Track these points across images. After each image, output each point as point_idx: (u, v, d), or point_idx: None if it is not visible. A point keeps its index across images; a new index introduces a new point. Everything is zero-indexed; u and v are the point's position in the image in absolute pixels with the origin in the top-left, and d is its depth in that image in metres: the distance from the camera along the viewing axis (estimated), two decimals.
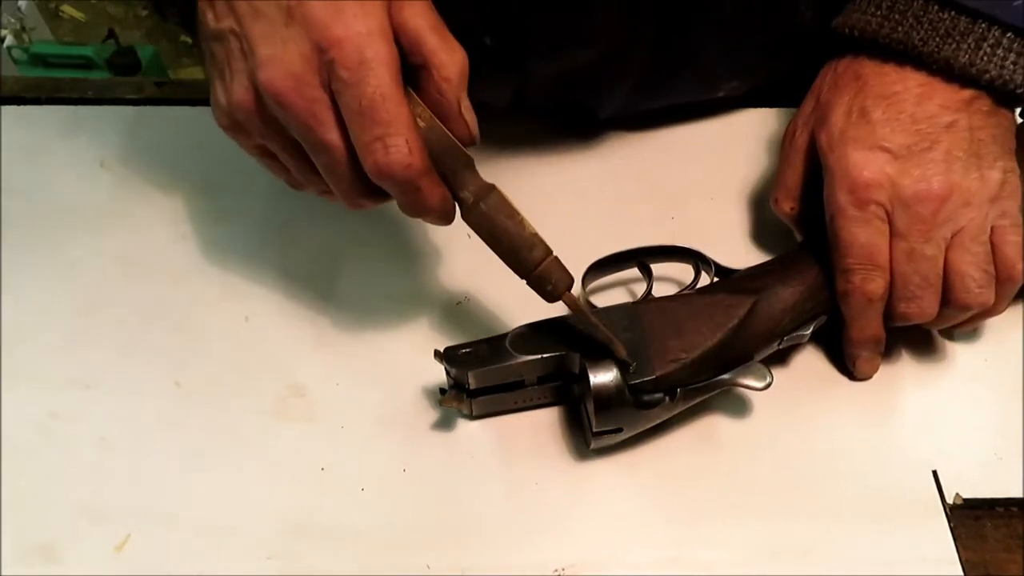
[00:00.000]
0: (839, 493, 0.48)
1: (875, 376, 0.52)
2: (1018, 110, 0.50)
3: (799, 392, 0.51)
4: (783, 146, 0.54)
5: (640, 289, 0.54)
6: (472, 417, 0.50)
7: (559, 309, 0.46)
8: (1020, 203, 0.48)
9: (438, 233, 0.56)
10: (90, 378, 0.52)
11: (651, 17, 0.55)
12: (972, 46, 0.46)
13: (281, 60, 0.39)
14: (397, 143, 0.40)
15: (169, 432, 0.50)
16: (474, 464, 0.49)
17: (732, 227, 0.59)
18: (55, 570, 0.45)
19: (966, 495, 0.47)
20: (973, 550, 0.46)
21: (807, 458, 0.49)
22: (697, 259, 0.53)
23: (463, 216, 0.44)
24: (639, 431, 0.47)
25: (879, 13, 0.49)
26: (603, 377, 0.45)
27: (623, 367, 0.45)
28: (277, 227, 0.58)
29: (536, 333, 0.48)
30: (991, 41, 0.46)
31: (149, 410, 0.50)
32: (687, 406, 0.48)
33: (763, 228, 0.59)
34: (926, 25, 0.47)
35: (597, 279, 0.54)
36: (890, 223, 0.47)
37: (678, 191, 0.60)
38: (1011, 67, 0.46)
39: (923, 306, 0.48)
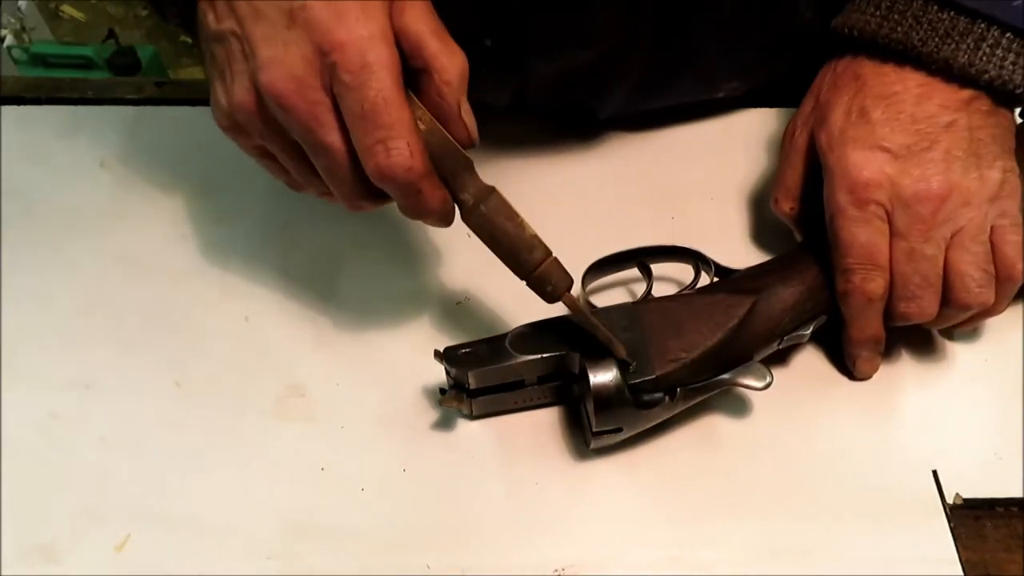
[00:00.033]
0: (839, 493, 0.48)
1: (875, 376, 0.52)
2: (1017, 110, 0.51)
3: (799, 392, 0.51)
4: (783, 146, 0.54)
5: (640, 289, 0.54)
6: (472, 417, 0.50)
7: (559, 309, 0.46)
8: (1020, 203, 0.48)
9: (438, 234, 0.56)
10: (90, 378, 0.52)
11: (651, 17, 0.55)
12: (971, 46, 0.46)
13: (283, 62, 0.39)
14: (398, 146, 0.40)
15: (169, 432, 0.50)
16: (474, 464, 0.49)
17: (732, 227, 0.59)
18: (55, 570, 0.45)
19: (966, 495, 0.47)
20: (973, 550, 0.46)
21: (807, 458, 0.49)
22: (697, 259, 0.53)
23: (463, 218, 0.44)
24: (639, 431, 0.47)
25: (878, 13, 0.49)
26: (603, 377, 0.45)
27: (623, 367, 0.45)
28: (277, 227, 0.59)
29: (536, 333, 0.48)
30: (990, 41, 0.46)
31: (149, 410, 0.50)
32: (687, 406, 0.48)
33: (763, 228, 0.59)
34: (925, 25, 0.47)
35: (597, 279, 0.54)
36: (890, 223, 0.47)
37: (678, 191, 0.60)
38: (1010, 67, 0.46)
39: (923, 306, 0.48)
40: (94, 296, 0.55)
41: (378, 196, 0.43)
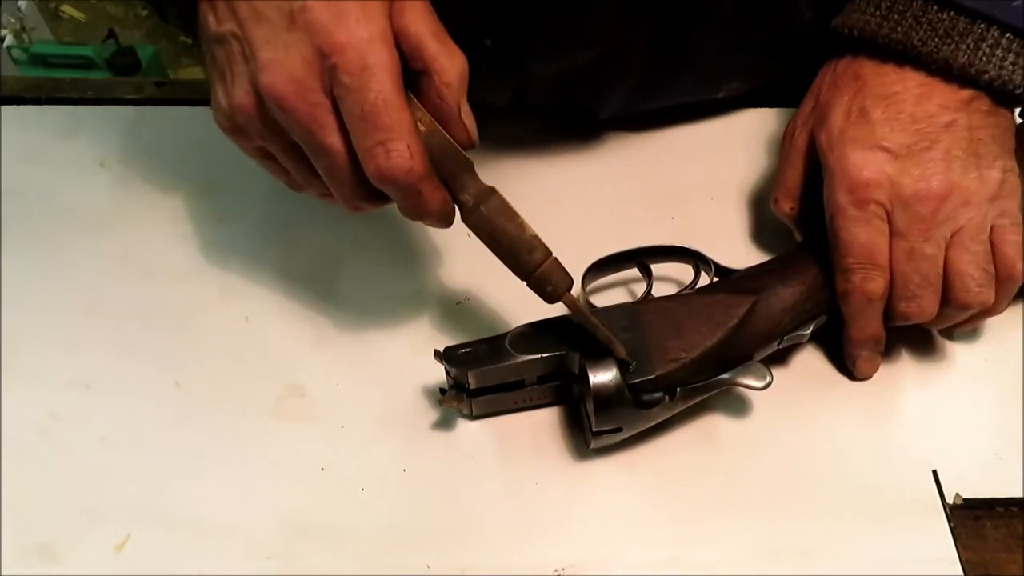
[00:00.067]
0: (839, 493, 0.48)
1: (875, 376, 0.52)
2: (1017, 110, 0.50)
3: (799, 392, 0.51)
4: (782, 146, 0.54)
5: (640, 289, 0.54)
6: (472, 417, 0.50)
7: (559, 310, 0.46)
8: (1020, 202, 0.48)
9: (438, 234, 0.56)
10: (90, 378, 0.52)
11: (651, 17, 0.55)
12: (971, 46, 0.46)
13: (283, 64, 0.39)
14: (399, 148, 0.40)
15: (169, 432, 0.50)
16: (474, 464, 0.49)
17: (732, 227, 0.59)
18: (55, 570, 0.45)
19: (966, 495, 0.47)
20: (973, 550, 0.46)
21: (807, 458, 0.49)
22: (697, 259, 0.53)
23: (463, 219, 0.44)
24: (639, 431, 0.47)
25: (878, 13, 0.49)
26: (603, 376, 0.45)
27: (623, 367, 0.45)
28: (277, 228, 0.59)
29: (536, 333, 0.48)
30: (990, 41, 0.46)
31: (149, 410, 0.50)
32: (687, 406, 0.48)
33: (763, 228, 0.59)
34: (925, 25, 0.47)
35: (597, 279, 0.54)
36: (890, 222, 0.47)
37: (678, 191, 0.60)
38: (1010, 67, 0.46)
39: (923, 305, 0.48)
40: (94, 296, 0.55)
41: (378, 197, 0.43)
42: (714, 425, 0.50)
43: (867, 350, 0.50)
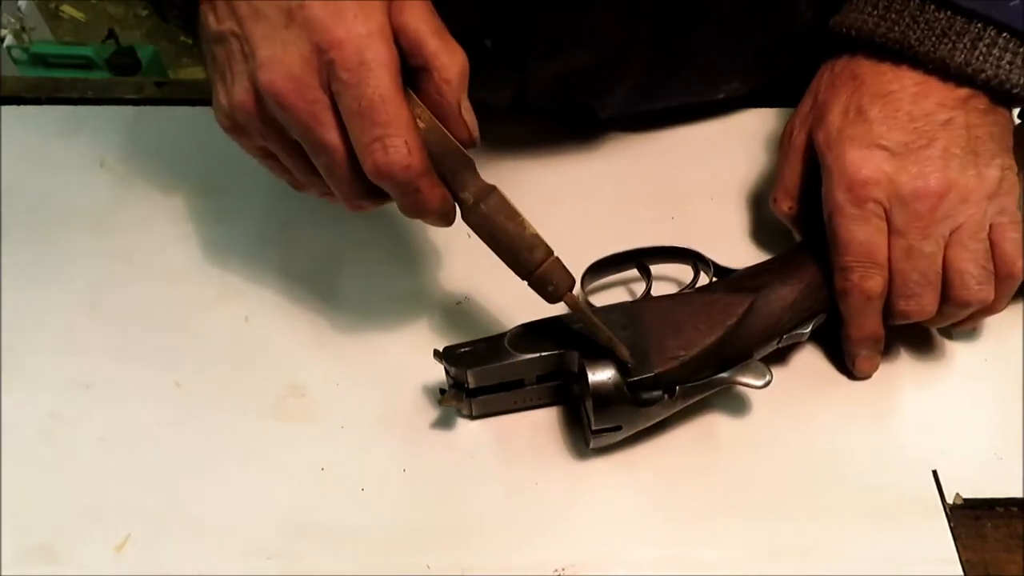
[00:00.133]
0: (839, 493, 0.48)
1: (875, 375, 0.52)
2: (1016, 110, 0.51)
3: (799, 391, 0.51)
4: (781, 146, 0.54)
5: (639, 289, 0.54)
6: (472, 417, 0.50)
7: (560, 310, 0.46)
8: (1018, 200, 0.48)
9: (438, 234, 0.56)
10: (90, 378, 0.52)
11: (651, 18, 0.55)
12: (968, 46, 0.47)
13: (281, 61, 0.39)
14: (396, 144, 0.40)
15: (169, 432, 0.50)
16: (474, 464, 0.49)
17: (732, 227, 0.59)
18: (55, 570, 0.45)
19: (966, 495, 0.47)
20: (973, 550, 0.46)
21: (807, 457, 0.49)
22: (696, 259, 0.53)
23: (463, 217, 0.44)
24: (638, 429, 0.47)
25: (876, 13, 0.49)
26: (602, 375, 0.45)
27: (622, 365, 0.45)
28: (277, 227, 0.59)
29: (535, 332, 0.48)
30: (987, 41, 0.46)
31: (149, 410, 0.50)
32: (686, 404, 0.48)
33: (763, 228, 0.59)
34: (922, 25, 0.47)
35: (596, 280, 0.54)
36: (888, 221, 0.47)
37: (678, 191, 0.60)
38: (1007, 67, 0.46)
39: (922, 303, 0.48)
40: (94, 296, 0.55)
41: (378, 195, 0.43)
42: (714, 424, 0.50)
43: (866, 349, 0.50)
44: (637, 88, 0.59)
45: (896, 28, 0.48)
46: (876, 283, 0.48)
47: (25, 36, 1.45)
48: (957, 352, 0.53)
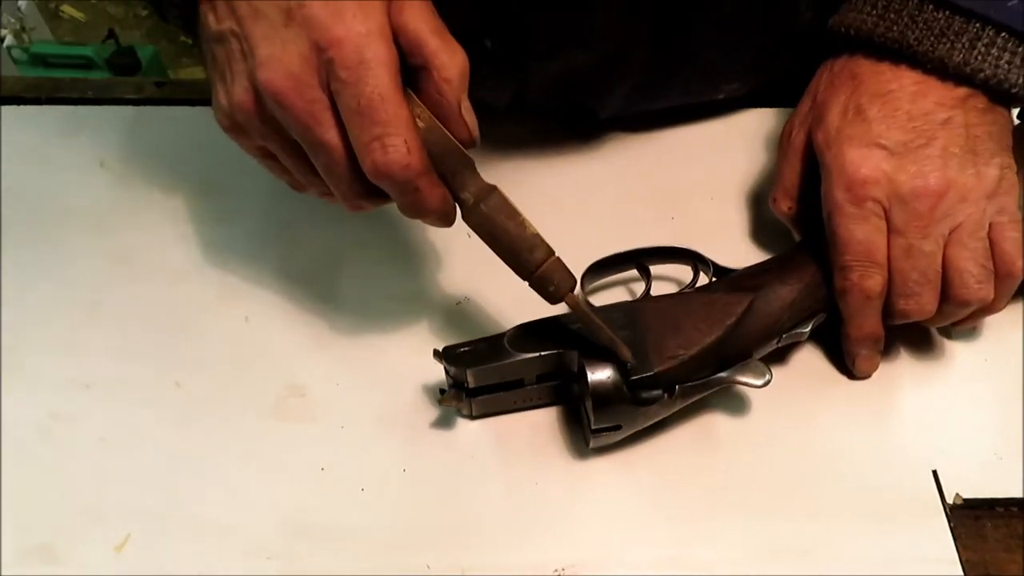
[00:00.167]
0: (839, 493, 0.48)
1: (875, 375, 0.52)
2: (1016, 110, 0.51)
3: (798, 390, 0.51)
4: (780, 146, 0.54)
5: (639, 290, 0.54)
6: (472, 417, 0.50)
7: (560, 310, 0.46)
8: (1018, 199, 0.48)
9: (438, 234, 0.56)
10: (90, 378, 0.52)
11: (651, 18, 0.55)
12: (966, 46, 0.47)
13: (280, 60, 0.39)
14: (395, 143, 0.40)
15: (169, 432, 0.50)
16: (474, 464, 0.49)
17: (732, 227, 0.59)
18: (55, 570, 0.45)
19: (966, 495, 0.47)
20: (973, 550, 0.46)
21: (807, 457, 0.49)
22: (695, 259, 0.53)
23: (464, 217, 0.44)
24: (638, 429, 0.47)
25: (875, 12, 0.49)
26: (601, 374, 0.45)
27: (622, 364, 0.45)
28: (278, 228, 0.59)
29: (534, 331, 0.48)
30: (985, 41, 0.46)
31: (149, 410, 0.50)
32: (685, 404, 0.48)
33: (762, 228, 0.59)
34: (921, 25, 0.47)
35: (596, 280, 0.54)
36: (888, 220, 0.47)
37: (678, 191, 0.60)
38: (1005, 66, 0.47)
39: (922, 303, 0.48)
40: (94, 296, 0.55)
41: (377, 195, 0.43)
42: (713, 424, 0.50)
43: (866, 348, 0.50)
44: (637, 88, 0.60)
45: (895, 28, 0.48)
46: (875, 282, 0.48)
47: (25, 36, 1.46)
48: (957, 352, 0.53)
